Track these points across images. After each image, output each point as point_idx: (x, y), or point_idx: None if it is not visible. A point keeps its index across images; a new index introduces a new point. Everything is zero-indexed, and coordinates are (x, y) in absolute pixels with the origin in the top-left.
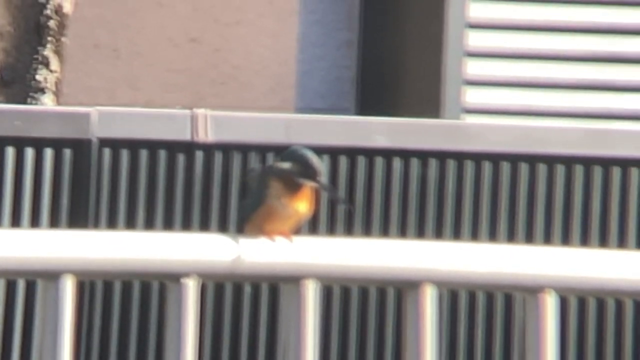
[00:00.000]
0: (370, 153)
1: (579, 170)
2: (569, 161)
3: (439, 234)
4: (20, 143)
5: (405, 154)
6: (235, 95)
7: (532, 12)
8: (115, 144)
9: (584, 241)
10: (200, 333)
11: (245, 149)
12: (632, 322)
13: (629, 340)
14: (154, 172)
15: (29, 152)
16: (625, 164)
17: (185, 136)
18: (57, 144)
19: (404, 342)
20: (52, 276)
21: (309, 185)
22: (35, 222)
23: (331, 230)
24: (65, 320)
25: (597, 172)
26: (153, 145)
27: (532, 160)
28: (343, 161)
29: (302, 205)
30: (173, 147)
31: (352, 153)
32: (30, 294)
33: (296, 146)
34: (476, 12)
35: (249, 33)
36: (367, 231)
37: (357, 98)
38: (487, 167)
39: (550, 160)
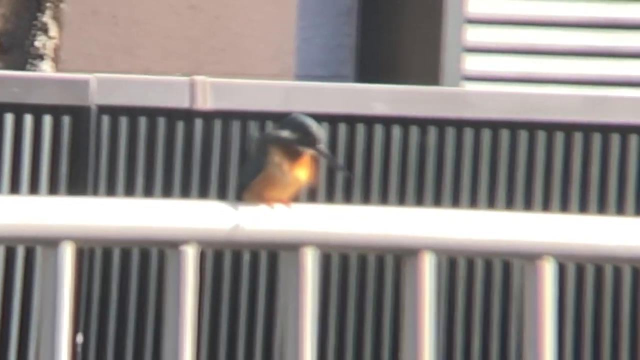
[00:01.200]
0: (370, 121)
1: (578, 137)
2: (568, 128)
3: (437, 202)
4: (19, 110)
5: (405, 122)
6: (234, 62)
7: None
8: (114, 111)
9: (583, 208)
10: (199, 300)
11: (244, 116)
12: (629, 289)
13: (627, 306)
14: (153, 139)
15: (28, 119)
16: (625, 130)
17: (185, 104)
18: (56, 111)
19: (402, 309)
20: (52, 243)
21: (308, 153)
22: (34, 189)
23: (330, 198)
24: (65, 287)
25: (596, 139)
26: (152, 113)
27: (531, 127)
28: (342, 129)
29: (301, 173)
30: (172, 115)
31: (351, 121)
32: (30, 261)
33: (296, 114)
34: None
35: (248, 0)
36: (366, 199)
37: (357, 66)
38: (486, 134)
39: (550, 128)
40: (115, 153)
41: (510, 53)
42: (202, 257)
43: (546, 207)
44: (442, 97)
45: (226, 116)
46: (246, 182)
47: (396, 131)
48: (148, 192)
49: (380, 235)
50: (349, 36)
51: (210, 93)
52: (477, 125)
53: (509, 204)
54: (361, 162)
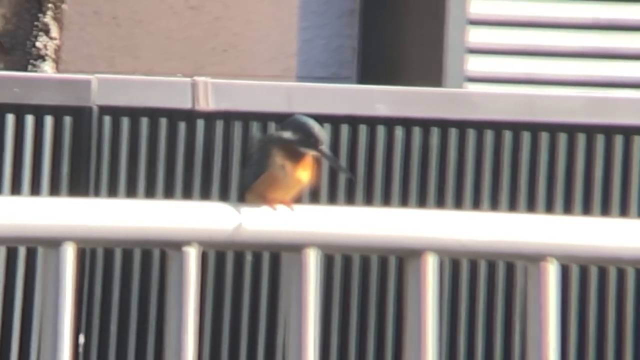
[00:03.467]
0: (372, 122)
1: (581, 138)
2: (571, 129)
3: (440, 203)
4: (20, 110)
5: (407, 123)
6: (236, 63)
7: None
8: (115, 112)
9: (586, 209)
10: (201, 301)
11: (246, 117)
12: (633, 291)
13: (630, 308)
14: (154, 140)
15: (29, 120)
16: (628, 131)
17: (186, 104)
18: (57, 112)
19: (405, 311)
20: (53, 244)
21: (310, 154)
22: (35, 190)
23: (332, 199)
24: (66, 287)
25: (599, 140)
26: (153, 113)
27: (534, 128)
28: (345, 130)
29: (304, 174)
30: (174, 115)
31: (353, 122)
32: (32, 262)
33: (298, 115)
34: None
35: (249, 1)
36: (368, 200)
37: (359, 67)
38: (489, 135)
39: (553, 129)
40: (116, 154)
41: (512, 54)
42: (204, 257)
43: (549, 208)
44: (445, 98)
45: (228, 117)
46: (248, 183)
47: (399, 132)
48: (150, 192)
49: (383, 237)
50: (350, 37)
51: (212, 94)
52: (480, 126)
53: (512, 205)
54: (363, 163)
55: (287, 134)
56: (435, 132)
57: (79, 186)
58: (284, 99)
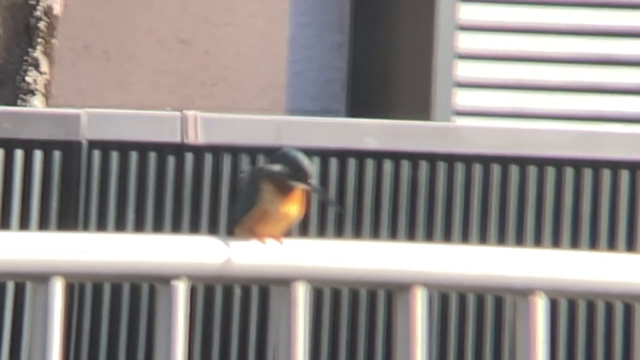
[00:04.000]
0: (361, 155)
1: (569, 172)
2: (559, 163)
3: (429, 236)
4: (9, 145)
5: (396, 156)
6: (225, 96)
7: (522, 14)
8: (105, 146)
9: (574, 244)
10: (190, 335)
11: (235, 150)
12: (622, 325)
13: (619, 343)
14: (143, 174)
15: (19, 154)
16: (615, 166)
17: (175, 138)
18: (47, 146)
19: (394, 345)
20: (42, 278)
21: (299, 188)
22: (24, 224)
23: (322, 233)
24: (55, 322)
25: (587, 174)
26: (143, 147)
27: (523, 162)
28: (333, 163)
29: (293, 208)
30: (163, 149)
31: (342, 155)
32: (20, 296)
33: (287, 148)
34: (466, 14)
35: (239, 34)
36: (357, 233)
37: (348, 100)
38: (477, 169)
39: (541, 163)
40: (106, 188)
41: (501, 88)
42: (193, 292)
43: (538, 242)
44: (433, 131)
45: (217, 150)
46: (238, 217)
47: (387, 166)
48: (139, 226)
49: (372, 270)
50: (340, 70)
51: (201, 127)
52: (469, 160)
53: (501, 239)
54: (352, 197)
55: (277, 168)
56: (423, 166)
57: (68, 220)
58: (273, 133)
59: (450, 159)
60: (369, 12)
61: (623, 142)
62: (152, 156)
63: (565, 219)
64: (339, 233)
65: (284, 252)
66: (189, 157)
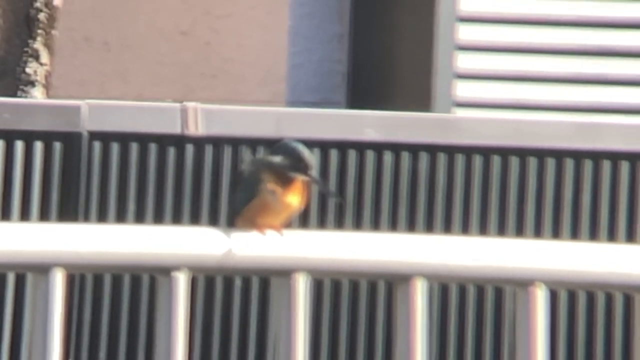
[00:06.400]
0: (361, 146)
1: (569, 163)
2: (559, 154)
3: (429, 228)
4: (10, 136)
5: (396, 148)
6: (225, 88)
7: (522, 5)
8: (105, 137)
9: (574, 235)
10: (190, 326)
11: (235, 142)
12: (621, 316)
13: (619, 333)
14: (144, 165)
15: (19, 145)
16: (615, 157)
17: (176, 129)
18: (47, 137)
19: (394, 335)
20: (42, 269)
21: (300, 179)
22: (25, 216)
23: (322, 224)
24: (56, 313)
25: (587, 165)
26: (143, 139)
27: (523, 153)
28: (334, 155)
29: (293, 199)
30: (163, 141)
31: (343, 146)
32: (20, 288)
33: (287, 140)
34: (467, 5)
35: (239, 26)
36: (357, 225)
37: (348, 91)
38: (477, 160)
39: (541, 154)
40: (106, 179)
41: (501, 80)
42: (193, 283)
43: (538, 233)
44: (434, 123)
45: (217, 142)
46: (238, 208)
47: (387, 157)
48: (139, 218)
49: (372, 261)
50: (340, 62)
51: (202, 119)
52: (469, 151)
53: (501, 230)
54: (353, 188)
55: (277, 159)
56: (424, 157)
57: (69, 212)
58: (273, 124)
59: (451, 151)
60: (369, 3)
61: (623, 133)
62: (153, 147)
63: (565, 209)
64: (339, 224)
65: (284, 243)
66: (190, 149)
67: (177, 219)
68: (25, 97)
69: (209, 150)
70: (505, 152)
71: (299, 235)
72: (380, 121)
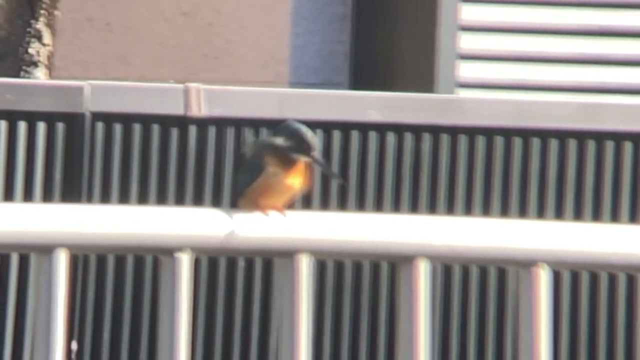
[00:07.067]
0: (364, 128)
1: (572, 144)
2: (562, 135)
3: (432, 209)
4: (12, 117)
5: (399, 129)
6: (227, 69)
7: None
8: (108, 118)
9: (577, 215)
10: (193, 307)
11: (238, 123)
12: (624, 296)
13: (622, 313)
14: (147, 146)
15: (22, 126)
16: (619, 137)
17: (179, 110)
18: (50, 118)
19: (397, 316)
20: (46, 250)
21: (303, 160)
22: (28, 196)
23: (325, 205)
24: (59, 294)
25: (591, 146)
26: (146, 120)
27: (526, 134)
28: (336, 136)
29: (296, 180)
30: (166, 122)
31: (345, 128)
32: (24, 268)
33: (290, 121)
34: None
35: (241, 7)
36: (360, 206)
37: (351, 73)
38: (480, 141)
39: (544, 135)
40: (109, 160)
41: (504, 60)
42: (196, 264)
43: (541, 214)
44: (437, 104)
45: (220, 123)
46: (241, 189)
47: (390, 138)
48: (142, 199)
49: (375, 242)
50: (342, 43)
51: (204, 100)
52: (472, 132)
53: (504, 211)
54: (355, 169)
55: (280, 140)
56: (426, 138)
57: (72, 192)
58: (276, 105)
59: (454, 131)
60: None
61: (626, 113)
62: (156, 128)
63: (568, 190)
64: (342, 205)
65: (287, 224)
66: (192, 130)
67: (180, 200)
68: (28, 77)
69: (211, 132)
70: (508, 133)
71: (301, 216)
72: (382, 102)
